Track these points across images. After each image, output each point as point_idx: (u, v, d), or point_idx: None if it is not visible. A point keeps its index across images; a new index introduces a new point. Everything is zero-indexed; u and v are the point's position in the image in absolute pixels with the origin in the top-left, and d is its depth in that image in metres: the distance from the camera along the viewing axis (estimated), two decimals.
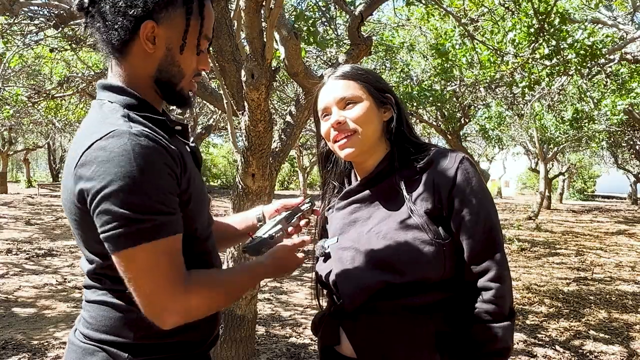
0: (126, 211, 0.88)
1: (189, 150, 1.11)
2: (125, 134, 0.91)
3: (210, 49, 1.17)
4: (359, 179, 1.27)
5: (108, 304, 1.01)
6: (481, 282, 1.10)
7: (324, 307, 1.33)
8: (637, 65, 6.10)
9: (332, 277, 1.20)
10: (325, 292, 1.33)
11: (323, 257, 1.26)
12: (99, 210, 0.89)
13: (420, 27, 7.43)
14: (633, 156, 17.92)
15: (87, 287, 1.05)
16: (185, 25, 1.02)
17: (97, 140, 0.91)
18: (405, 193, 1.15)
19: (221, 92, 3.09)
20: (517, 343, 4.02)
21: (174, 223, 0.94)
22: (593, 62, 4.75)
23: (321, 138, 1.30)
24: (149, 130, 0.95)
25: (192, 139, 1.16)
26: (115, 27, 1.00)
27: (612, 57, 5.44)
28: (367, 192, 1.23)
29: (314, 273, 1.33)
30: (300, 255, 1.18)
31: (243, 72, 2.26)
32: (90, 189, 0.89)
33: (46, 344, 3.80)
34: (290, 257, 1.16)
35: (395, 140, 1.22)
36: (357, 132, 1.18)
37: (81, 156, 0.91)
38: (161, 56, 1.03)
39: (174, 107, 1.14)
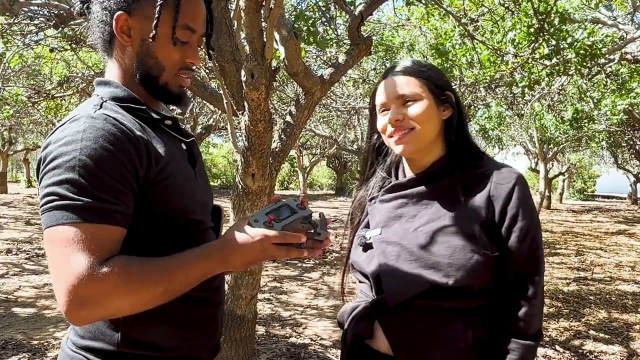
0: (58, 188, 0.85)
1: (184, 147, 1.10)
2: (83, 117, 0.91)
3: (210, 51, 1.14)
4: (407, 174, 1.26)
5: None
6: (517, 298, 1.12)
7: (353, 299, 1.30)
8: (637, 65, 6.09)
9: (373, 270, 1.18)
10: (356, 282, 1.30)
11: (362, 247, 1.23)
12: (40, 187, 0.89)
13: (420, 27, 7.43)
14: (633, 156, 17.91)
15: None
16: (157, 14, 0.98)
17: (59, 127, 0.92)
18: (462, 198, 1.14)
19: (221, 92, 3.09)
20: None
21: (109, 213, 0.87)
22: (593, 62, 4.75)
23: (374, 130, 1.29)
24: (114, 116, 0.93)
25: (190, 136, 1.14)
26: (98, 23, 1.01)
27: (612, 57, 5.44)
28: (417, 189, 1.21)
29: (346, 260, 1.32)
30: (284, 252, 0.95)
31: (243, 72, 2.26)
32: (39, 168, 0.90)
33: (46, 344, 3.80)
34: (268, 253, 0.94)
35: (453, 141, 1.20)
36: (415, 129, 1.16)
37: (45, 144, 0.92)
38: (137, 49, 1.01)
39: (174, 107, 1.13)
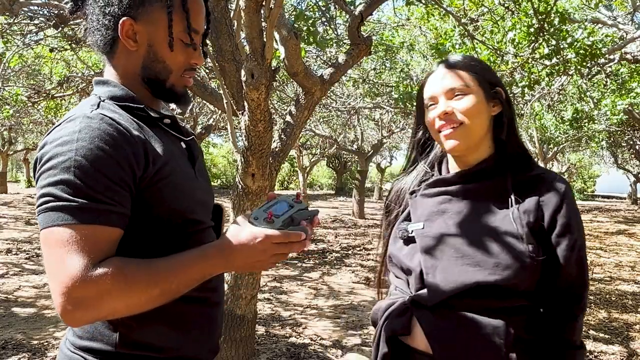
0: (54, 189, 0.85)
1: (184, 145, 1.10)
2: (80, 117, 0.90)
3: (210, 48, 1.15)
4: (451, 170, 1.24)
5: None
6: (567, 307, 1.12)
7: (387, 296, 1.27)
8: (637, 65, 6.10)
9: (416, 265, 1.16)
10: (391, 278, 1.28)
11: (403, 240, 1.21)
12: (36, 188, 0.89)
13: (420, 27, 7.43)
14: (633, 156, 17.92)
15: None
16: (168, 20, 0.99)
17: (56, 127, 0.92)
18: (512, 199, 1.13)
19: (221, 92, 3.09)
20: None
21: (105, 213, 0.87)
22: (593, 62, 4.75)
23: (419, 125, 1.27)
24: (111, 115, 0.93)
25: (190, 134, 1.14)
26: (99, 27, 1.00)
27: (612, 57, 5.44)
28: (463, 186, 1.18)
29: (381, 252, 1.30)
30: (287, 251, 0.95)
31: (243, 72, 2.26)
32: (36, 168, 0.90)
33: (46, 344, 3.80)
34: (269, 253, 0.93)
35: (503, 139, 1.18)
36: (464, 124, 1.14)
37: (42, 144, 0.92)
38: (144, 53, 1.01)
39: (175, 107, 1.13)
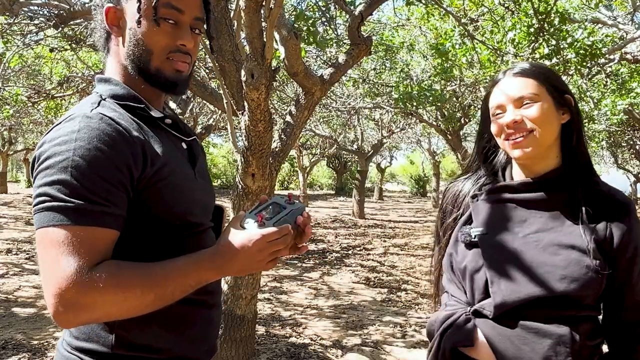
0: (50, 189, 0.84)
1: (185, 146, 1.09)
2: (79, 116, 0.90)
3: (207, 42, 1.10)
4: (515, 177, 1.22)
5: None
6: (635, 331, 1.14)
7: (441, 308, 1.24)
8: (637, 65, 6.10)
9: (479, 272, 1.13)
10: (445, 284, 1.24)
11: (466, 245, 1.18)
12: (33, 187, 0.88)
13: (420, 27, 7.44)
14: (633, 156, 17.92)
15: None
16: None
17: (56, 125, 0.92)
18: (584, 212, 1.11)
19: (221, 92, 3.09)
20: None
21: (101, 215, 0.86)
22: (593, 62, 4.75)
23: (484, 134, 1.26)
24: (110, 115, 0.92)
25: (191, 135, 1.13)
26: (98, 23, 1.01)
27: (612, 57, 5.43)
28: (531, 195, 1.16)
29: (437, 258, 1.27)
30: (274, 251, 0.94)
31: (243, 72, 2.26)
32: (34, 166, 0.90)
33: (46, 344, 3.80)
34: (267, 252, 0.92)
35: (572, 148, 1.17)
36: (534, 132, 1.11)
37: (41, 142, 0.91)
38: (127, 39, 0.99)
39: (175, 106, 1.13)
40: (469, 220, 1.23)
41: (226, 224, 1.03)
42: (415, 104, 6.84)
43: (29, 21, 4.43)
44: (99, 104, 0.96)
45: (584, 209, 1.11)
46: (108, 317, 0.89)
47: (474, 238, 1.17)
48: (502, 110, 1.16)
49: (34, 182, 0.89)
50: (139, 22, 0.97)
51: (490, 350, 1.10)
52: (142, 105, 1.00)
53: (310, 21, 3.41)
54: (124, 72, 1.02)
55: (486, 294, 1.12)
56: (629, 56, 5.50)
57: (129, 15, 0.98)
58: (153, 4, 0.96)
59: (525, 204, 1.16)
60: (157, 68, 1.00)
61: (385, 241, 10.15)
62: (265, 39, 2.18)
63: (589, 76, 5.88)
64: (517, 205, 1.17)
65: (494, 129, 1.19)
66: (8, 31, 4.98)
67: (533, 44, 4.33)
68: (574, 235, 1.10)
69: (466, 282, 1.17)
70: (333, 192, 29.06)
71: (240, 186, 2.88)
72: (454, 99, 8.58)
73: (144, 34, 0.98)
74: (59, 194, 0.84)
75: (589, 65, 4.75)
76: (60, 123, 0.92)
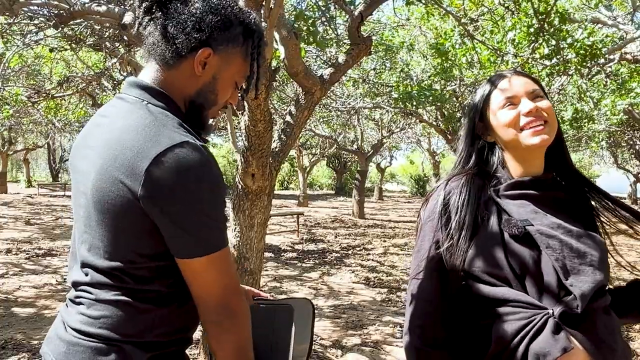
0: (209, 219, 0.97)
1: None
2: (197, 148, 0.97)
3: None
4: (513, 174, 1.20)
5: (127, 303, 0.99)
6: None
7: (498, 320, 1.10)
8: (637, 65, 6.10)
9: (545, 268, 1.08)
10: (486, 290, 1.11)
11: (513, 237, 1.11)
12: (179, 218, 0.95)
13: (420, 27, 7.44)
14: (633, 156, 17.93)
15: (96, 285, 1.01)
16: (243, 65, 1.12)
17: (172, 146, 0.94)
18: (594, 210, 1.26)
19: None
20: None
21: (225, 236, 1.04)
22: (593, 62, 4.75)
23: (478, 134, 1.25)
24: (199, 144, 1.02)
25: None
26: (175, 41, 1.04)
27: (612, 57, 5.43)
28: (543, 192, 1.18)
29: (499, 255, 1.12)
30: None
31: None
32: (169, 196, 0.94)
33: None
34: None
35: (555, 153, 1.23)
36: (549, 122, 1.15)
37: (155, 157, 0.92)
38: (205, 82, 1.08)
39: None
40: (499, 217, 1.16)
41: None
42: (415, 103, 6.84)
43: (28, 21, 4.43)
44: (184, 128, 1.03)
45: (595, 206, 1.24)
46: (238, 330, 1.04)
47: (524, 230, 1.10)
48: (515, 102, 1.17)
49: (174, 214, 0.97)
50: (246, 92, 1.17)
51: (587, 353, 1.03)
52: (200, 132, 1.12)
53: (310, 21, 3.40)
54: (176, 95, 1.08)
55: (563, 291, 1.06)
56: (628, 56, 5.50)
57: (220, 68, 1.09)
58: (245, 75, 1.14)
59: (542, 200, 1.18)
60: (208, 115, 1.14)
61: (385, 241, 10.15)
62: (265, 39, 2.18)
63: (589, 76, 5.88)
64: (535, 200, 1.18)
65: (505, 119, 1.17)
66: (8, 31, 4.98)
67: (533, 44, 4.33)
68: (592, 227, 1.20)
69: (526, 278, 1.10)
70: (333, 192, 29.08)
71: (240, 186, 2.88)
72: (454, 98, 8.58)
73: (221, 89, 1.11)
74: (214, 223, 1.01)
75: (589, 65, 4.75)
76: (175, 146, 0.96)
